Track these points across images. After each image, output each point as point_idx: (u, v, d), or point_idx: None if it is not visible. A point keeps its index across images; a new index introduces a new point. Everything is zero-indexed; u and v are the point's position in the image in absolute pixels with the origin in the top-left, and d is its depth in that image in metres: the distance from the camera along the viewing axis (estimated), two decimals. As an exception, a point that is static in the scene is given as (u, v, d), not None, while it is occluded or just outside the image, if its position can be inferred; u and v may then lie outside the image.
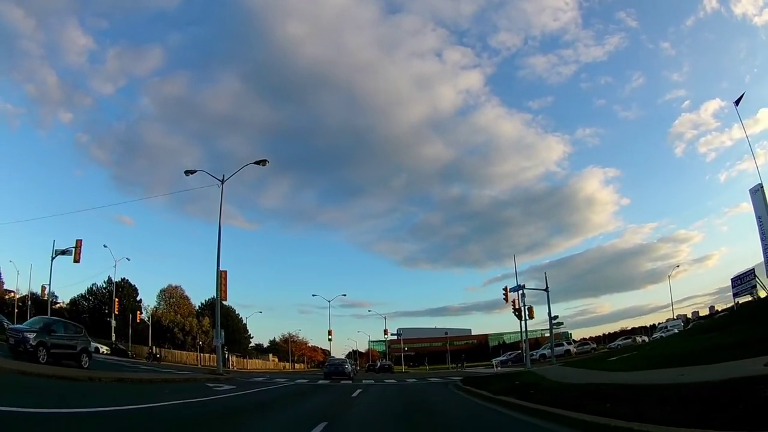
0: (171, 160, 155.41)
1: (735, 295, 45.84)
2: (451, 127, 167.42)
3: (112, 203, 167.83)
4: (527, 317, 36.65)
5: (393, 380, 32.05)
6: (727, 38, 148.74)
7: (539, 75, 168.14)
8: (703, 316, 69.03)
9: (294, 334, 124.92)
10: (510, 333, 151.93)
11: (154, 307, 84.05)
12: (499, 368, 48.50)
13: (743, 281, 43.49)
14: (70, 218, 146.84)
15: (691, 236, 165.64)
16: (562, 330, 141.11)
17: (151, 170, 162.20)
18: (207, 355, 75.16)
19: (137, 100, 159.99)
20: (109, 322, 65.58)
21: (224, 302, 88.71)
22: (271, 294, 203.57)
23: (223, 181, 33.33)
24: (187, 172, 32.84)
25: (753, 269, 41.31)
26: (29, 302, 65.71)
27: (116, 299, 65.39)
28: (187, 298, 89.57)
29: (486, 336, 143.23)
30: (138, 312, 65.92)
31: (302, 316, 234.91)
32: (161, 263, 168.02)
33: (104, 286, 77.19)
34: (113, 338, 60.86)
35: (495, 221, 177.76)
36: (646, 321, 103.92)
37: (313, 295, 79.24)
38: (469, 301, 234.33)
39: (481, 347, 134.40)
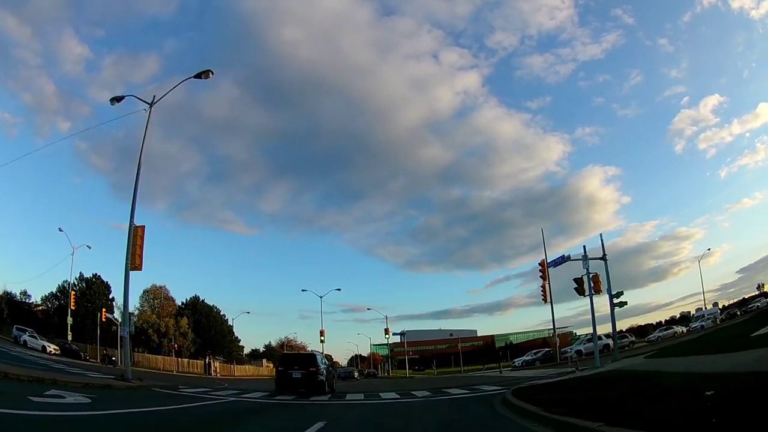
0: (170, 166, 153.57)
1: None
2: (449, 128, 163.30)
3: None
4: (592, 291, 25.41)
5: (393, 394, 19.62)
6: (724, 32, 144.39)
7: (537, 74, 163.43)
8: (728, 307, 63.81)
9: (291, 338, 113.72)
10: (517, 333, 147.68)
11: (136, 308, 73.52)
12: (527, 369, 39.05)
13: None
14: (68, 225, 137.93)
15: (693, 233, 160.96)
16: (567, 329, 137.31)
17: (149, 176, 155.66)
18: (186, 360, 64.10)
19: (135, 106, 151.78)
20: (81, 322, 56.52)
21: (205, 301, 79.35)
22: (272, 299, 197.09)
23: (152, 104, 25.22)
24: (113, 100, 25.24)
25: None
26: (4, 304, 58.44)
27: (72, 292, 55.36)
28: (171, 300, 78.36)
29: (492, 337, 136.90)
30: (104, 310, 54.65)
31: (303, 322, 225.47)
32: (156, 268, 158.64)
33: (76, 282, 66.52)
34: (69, 338, 50.74)
35: (496, 223, 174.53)
36: (649, 319, 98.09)
37: (303, 290, 67.37)
38: (472, 303, 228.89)
39: (487, 349, 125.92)
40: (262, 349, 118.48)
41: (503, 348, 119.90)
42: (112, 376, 23.37)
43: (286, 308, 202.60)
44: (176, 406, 13.60)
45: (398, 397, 18.39)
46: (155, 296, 78.04)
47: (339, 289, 63.27)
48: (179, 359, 62.36)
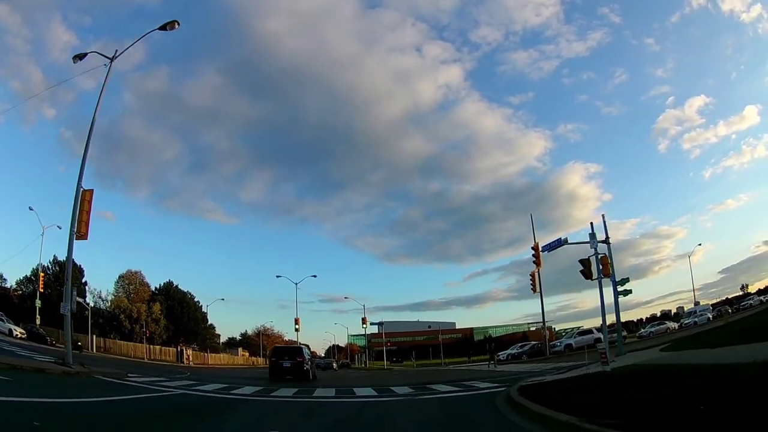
0: (153, 154, 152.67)
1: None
2: (431, 121, 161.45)
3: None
4: (601, 275, 22.73)
5: (369, 390, 16.96)
6: (713, 34, 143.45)
7: (520, 70, 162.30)
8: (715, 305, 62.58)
9: (268, 326, 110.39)
10: (496, 327, 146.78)
11: (112, 294, 69.58)
12: (515, 363, 36.50)
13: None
14: (51, 212, 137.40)
15: (675, 232, 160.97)
16: (548, 323, 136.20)
17: (132, 164, 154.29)
18: (158, 347, 60.51)
19: (119, 94, 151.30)
20: (53, 306, 51.78)
21: (178, 287, 75.54)
22: (251, 288, 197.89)
23: (112, 59, 22.96)
24: (76, 57, 23.12)
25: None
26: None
27: (42, 275, 51.55)
28: (147, 285, 74.59)
29: (471, 330, 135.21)
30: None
31: (281, 311, 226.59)
32: (135, 255, 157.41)
33: (49, 266, 62.40)
34: (38, 321, 47.30)
35: (475, 216, 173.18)
36: (629, 317, 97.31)
37: (278, 276, 63.54)
38: (450, 296, 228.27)
39: (466, 341, 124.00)
40: (239, 338, 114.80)
41: (483, 341, 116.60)
42: (52, 359, 20.66)
43: (265, 297, 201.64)
44: (95, 399, 10.78)
45: (375, 394, 15.59)
46: (130, 282, 74.34)
47: (315, 276, 59.74)
48: (151, 346, 58.79)
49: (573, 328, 65.84)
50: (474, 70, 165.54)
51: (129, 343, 56.61)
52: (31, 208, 48.98)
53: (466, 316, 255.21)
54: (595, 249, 23.13)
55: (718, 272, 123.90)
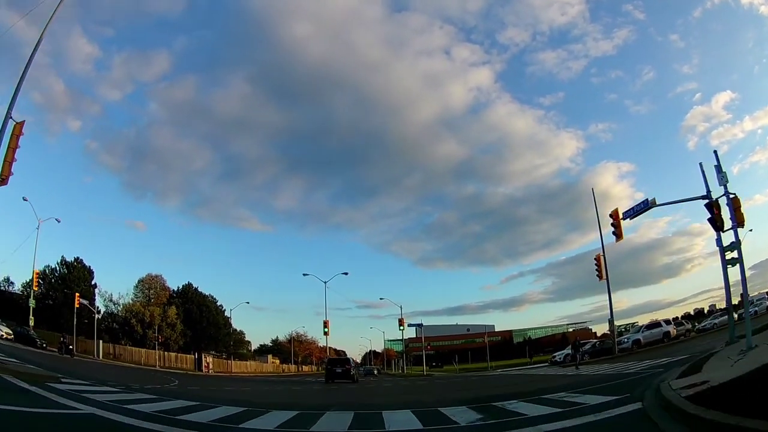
0: (182, 163, 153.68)
1: None
2: (463, 124, 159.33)
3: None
4: (735, 221, 15.44)
5: (407, 414, 10.13)
6: (734, 28, 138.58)
7: (549, 70, 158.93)
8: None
9: (301, 332, 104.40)
10: (535, 328, 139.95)
11: (131, 297, 64.89)
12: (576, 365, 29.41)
13: None
14: (82, 224, 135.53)
15: (706, 229, 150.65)
16: (585, 324, 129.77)
17: (161, 174, 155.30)
18: (174, 354, 55.27)
19: (145, 105, 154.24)
20: (58, 309, 49.52)
21: (198, 289, 70.13)
22: (285, 296, 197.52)
23: None
24: None
25: None
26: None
27: (35, 272, 47.24)
28: (167, 289, 69.73)
29: (510, 332, 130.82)
30: (77, 295, 45.93)
31: (318, 318, 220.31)
32: (165, 265, 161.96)
33: (57, 267, 57.99)
34: (31, 323, 42.20)
35: (510, 219, 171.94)
36: (662, 316, 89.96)
37: (305, 275, 55.96)
38: (486, 299, 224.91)
39: (506, 344, 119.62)
40: (270, 344, 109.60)
41: (521, 343, 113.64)
42: None
43: (300, 305, 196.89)
44: None
45: (418, 423, 8.98)
46: (150, 286, 69.64)
47: (346, 273, 53.19)
48: (165, 353, 53.69)
49: (629, 325, 58.43)
50: (503, 72, 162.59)
51: (141, 349, 51.63)
52: (25, 199, 44.05)
53: (504, 319, 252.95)
54: (725, 185, 15.89)
55: (749, 268, 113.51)
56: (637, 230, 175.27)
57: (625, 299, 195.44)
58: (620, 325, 57.05)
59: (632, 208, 21.64)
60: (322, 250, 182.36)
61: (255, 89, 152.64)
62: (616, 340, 35.90)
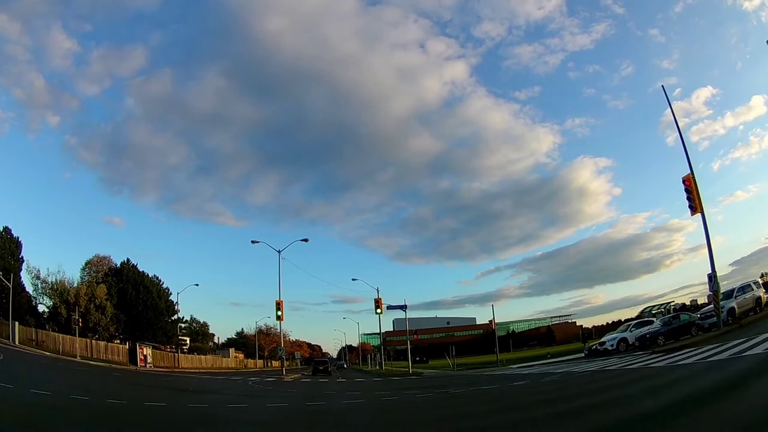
0: (158, 159, 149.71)
1: None
2: (437, 119, 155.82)
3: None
4: None
5: None
6: (717, 24, 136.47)
7: (525, 65, 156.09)
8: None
9: (271, 326, 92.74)
10: (518, 322, 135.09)
11: (79, 280, 53.10)
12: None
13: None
14: (57, 219, 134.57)
15: (685, 225, 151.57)
16: (569, 318, 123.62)
17: (138, 170, 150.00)
18: (104, 343, 43.95)
19: (122, 100, 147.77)
20: None
21: (137, 266, 58.64)
22: (260, 291, 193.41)
23: None
24: None
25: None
26: None
27: None
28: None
29: (491, 325, 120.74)
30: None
31: (294, 313, 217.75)
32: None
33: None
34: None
35: (486, 214, 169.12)
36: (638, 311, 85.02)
37: (253, 242, 43.67)
38: (463, 294, 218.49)
39: (487, 338, 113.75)
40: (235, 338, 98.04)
41: (504, 337, 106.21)
42: None
43: (275, 299, 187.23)
44: None
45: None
46: (98, 268, 58.09)
47: (306, 240, 41.64)
48: (94, 342, 42.47)
49: (662, 306, 48.69)
50: (479, 66, 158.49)
51: (67, 336, 40.42)
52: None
53: (481, 313, 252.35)
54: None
55: (729, 264, 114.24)
56: (615, 225, 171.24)
57: (602, 294, 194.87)
58: (646, 308, 47.85)
59: None
60: (297, 246, 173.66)
61: (230, 83, 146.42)
62: (699, 314, 26.54)
